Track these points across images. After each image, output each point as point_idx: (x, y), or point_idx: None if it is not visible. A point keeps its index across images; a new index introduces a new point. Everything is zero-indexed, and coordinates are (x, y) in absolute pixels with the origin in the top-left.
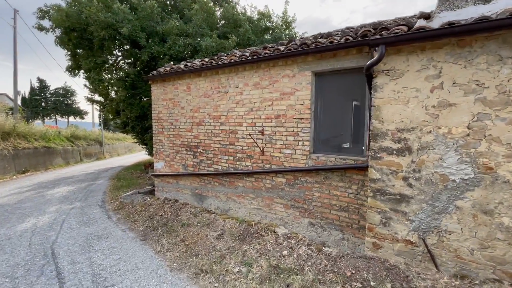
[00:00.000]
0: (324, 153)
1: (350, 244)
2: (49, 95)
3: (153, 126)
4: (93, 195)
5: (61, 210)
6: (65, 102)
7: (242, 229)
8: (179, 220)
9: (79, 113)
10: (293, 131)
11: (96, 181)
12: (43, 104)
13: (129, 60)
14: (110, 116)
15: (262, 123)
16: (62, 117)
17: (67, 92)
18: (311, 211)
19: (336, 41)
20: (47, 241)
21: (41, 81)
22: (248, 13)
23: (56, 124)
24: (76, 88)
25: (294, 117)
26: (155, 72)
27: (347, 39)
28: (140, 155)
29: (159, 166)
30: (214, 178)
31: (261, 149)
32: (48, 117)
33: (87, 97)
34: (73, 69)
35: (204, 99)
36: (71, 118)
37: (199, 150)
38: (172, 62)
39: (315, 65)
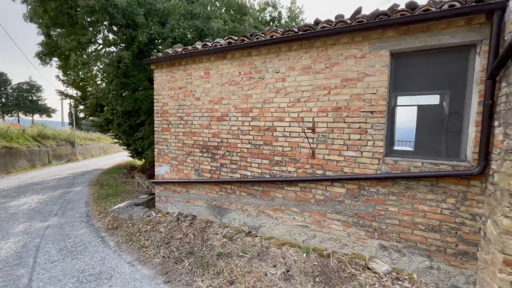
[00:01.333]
0: (404, 157)
1: (441, 275)
2: (10, 90)
3: (156, 122)
4: (73, 207)
5: (32, 230)
6: (30, 98)
7: (316, 263)
8: (210, 246)
9: (45, 111)
10: (359, 127)
11: (73, 187)
12: (3, 100)
13: (122, 44)
14: (84, 114)
15: (313, 117)
16: (26, 115)
17: (32, 88)
18: (383, 231)
19: (435, 9)
20: None
21: (1, 74)
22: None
23: (19, 122)
24: (43, 83)
25: (362, 110)
26: (160, 54)
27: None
28: (117, 156)
29: (162, 171)
30: (240, 187)
31: (311, 150)
32: (9, 115)
33: (60, 91)
34: (45, 55)
35: (229, 87)
36: (37, 116)
37: (219, 151)
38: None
39: (396, 42)
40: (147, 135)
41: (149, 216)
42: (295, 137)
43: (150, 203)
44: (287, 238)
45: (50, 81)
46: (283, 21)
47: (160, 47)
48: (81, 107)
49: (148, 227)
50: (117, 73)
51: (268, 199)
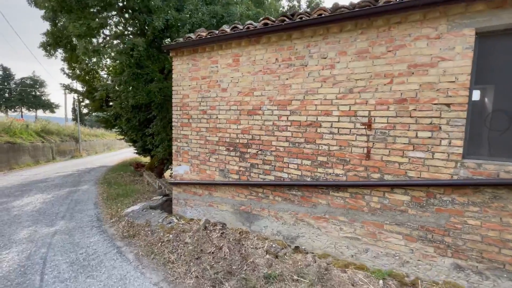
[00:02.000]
0: (491, 158)
1: None
2: (14, 85)
3: (174, 116)
4: (81, 209)
5: (38, 237)
6: (33, 93)
7: None
8: (252, 265)
9: (49, 106)
10: (430, 123)
11: (79, 186)
12: (6, 95)
13: (133, 29)
14: (89, 109)
15: (369, 111)
16: (29, 110)
17: (36, 83)
18: (458, 248)
19: None
20: None
21: (4, 69)
22: None
23: (22, 117)
24: (47, 79)
25: (435, 102)
26: (181, 39)
27: None
28: (121, 153)
29: (181, 171)
30: (274, 191)
31: (366, 150)
32: (13, 110)
33: (64, 84)
34: (50, 45)
35: (263, 76)
36: (40, 112)
37: (250, 150)
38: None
39: (485, 18)
40: (157, 131)
41: (170, 222)
42: (345, 134)
43: (165, 206)
44: (331, 251)
45: (54, 76)
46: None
47: (176, 35)
48: (87, 101)
49: (171, 236)
50: (130, 62)
51: (308, 206)
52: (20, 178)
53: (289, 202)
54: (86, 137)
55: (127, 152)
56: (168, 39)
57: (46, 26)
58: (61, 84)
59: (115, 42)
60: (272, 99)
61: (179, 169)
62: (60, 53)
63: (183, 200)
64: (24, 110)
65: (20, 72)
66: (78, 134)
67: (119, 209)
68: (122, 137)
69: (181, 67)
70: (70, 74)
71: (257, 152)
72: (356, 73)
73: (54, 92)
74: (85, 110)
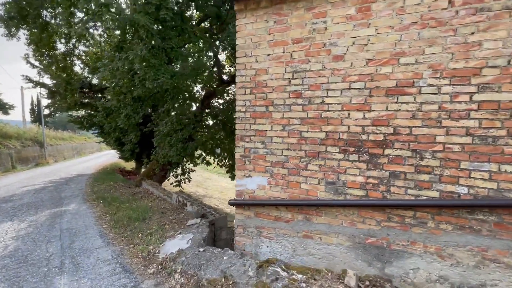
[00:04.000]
0: None
1: None
2: None
3: (239, 103)
4: (85, 247)
5: None
6: None
7: None
8: None
9: (1, 107)
10: None
11: (64, 205)
12: None
13: None
14: (57, 108)
15: None
16: None
17: None
18: None
19: None
20: None
21: None
22: None
23: None
24: None
25: None
26: None
27: None
28: (95, 158)
29: (252, 185)
30: (439, 215)
31: None
32: None
33: (27, 77)
34: (12, 19)
35: (421, 32)
36: None
37: (389, 150)
38: None
39: None
40: (167, 130)
41: (277, 278)
42: None
43: (210, 236)
44: None
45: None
46: None
47: None
48: (48, 100)
49: None
50: (151, 29)
51: (511, 238)
52: None
53: (470, 232)
54: (52, 140)
55: (101, 157)
56: None
57: None
58: (23, 76)
59: None
60: (439, 69)
61: (249, 183)
62: (25, 34)
63: (254, 229)
64: None
65: None
66: (42, 138)
67: (150, 246)
68: (101, 139)
69: (253, 28)
70: (41, 61)
71: (403, 153)
72: None
73: (7, 91)
74: (46, 111)
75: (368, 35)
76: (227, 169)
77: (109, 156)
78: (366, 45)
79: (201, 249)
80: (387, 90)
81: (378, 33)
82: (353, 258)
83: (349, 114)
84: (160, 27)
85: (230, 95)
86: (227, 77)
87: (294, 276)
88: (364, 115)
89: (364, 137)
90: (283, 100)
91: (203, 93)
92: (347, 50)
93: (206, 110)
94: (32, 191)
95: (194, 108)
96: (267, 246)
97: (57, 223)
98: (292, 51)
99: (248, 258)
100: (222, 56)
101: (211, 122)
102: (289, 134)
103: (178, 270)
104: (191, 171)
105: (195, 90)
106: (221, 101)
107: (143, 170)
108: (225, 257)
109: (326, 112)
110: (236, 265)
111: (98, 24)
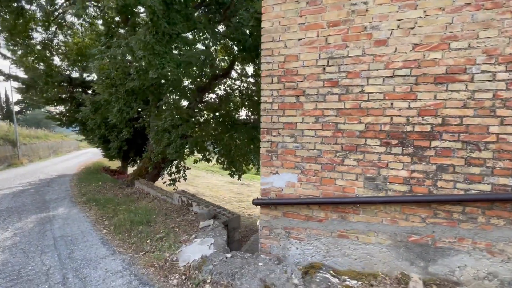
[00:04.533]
0: None
1: None
2: None
3: (264, 94)
4: (87, 257)
5: None
6: None
7: None
8: None
9: None
10: None
11: (51, 210)
12: None
13: None
14: (31, 103)
15: None
16: None
17: None
18: None
19: None
20: None
21: None
22: None
23: None
24: None
25: None
26: None
27: None
28: (74, 157)
29: (279, 183)
30: (491, 209)
31: None
32: None
33: None
34: None
35: (475, 14)
36: None
37: (436, 142)
38: None
39: None
40: (166, 126)
41: (323, 285)
42: None
43: (225, 238)
44: None
45: None
46: None
47: None
48: (18, 95)
49: None
50: (158, 11)
51: None
52: None
53: None
54: (25, 139)
55: (81, 156)
56: None
57: None
58: None
59: None
60: (494, 54)
61: (276, 180)
62: None
63: (282, 230)
64: None
65: None
66: (15, 136)
67: (164, 252)
68: (83, 137)
69: (281, 9)
70: (10, 53)
71: (452, 145)
72: None
73: None
74: (16, 108)
75: (415, 18)
76: (225, 166)
77: (89, 154)
78: (412, 28)
79: (228, 255)
80: (436, 77)
81: (426, 16)
82: (393, 257)
83: (392, 103)
84: (166, 9)
85: (222, 90)
86: (218, 71)
87: (347, 283)
88: (409, 105)
89: (409, 128)
90: (317, 89)
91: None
92: (391, 34)
93: (199, 105)
94: (10, 195)
95: (186, 102)
96: (297, 248)
97: (48, 230)
98: (328, 35)
99: (288, 263)
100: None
101: (202, 118)
102: (323, 126)
103: (208, 281)
104: (187, 169)
105: (194, 83)
106: (213, 95)
107: (132, 169)
108: (260, 264)
109: (366, 102)
110: (276, 272)
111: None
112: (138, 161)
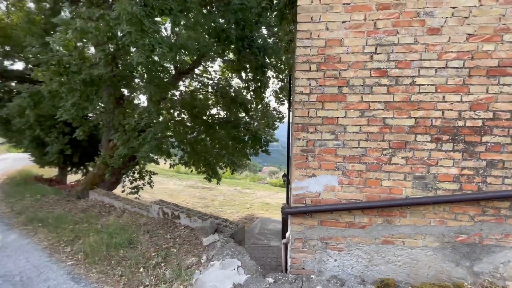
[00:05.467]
0: None
1: None
2: None
3: (299, 84)
4: None
5: None
6: None
7: None
8: None
9: None
10: None
11: None
12: None
13: None
14: None
15: None
16: None
17: None
18: None
19: None
20: None
21: None
22: None
23: None
24: None
25: None
26: None
27: None
28: None
29: (316, 187)
30: None
31: None
32: None
33: None
34: None
35: None
36: None
37: (487, 137)
38: None
39: None
40: (142, 122)
41: None
42: None
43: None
44: None
45: None
46: None
47: None
48: None
49: None
50: None
51: None
52: None
53: None
54: None
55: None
56: None
57: None
58: None
59: None
60: None
61: (312, 184)
62: None
63: (318, 241)
64: None
65: None
66: None
67: (172, 284)
68: (4, 140)
69: None
70: None
71: (504, 140)
72: None
73: None
74: None
75: (470, 6)
76: (200, 169)
77: (9, 161)
78: (467, 17)
79: (269, 280)
80: (488, 70)
81: (481, 5)
82: (439, 260)
83: (444, 97)
84: None
85: (186, 88)
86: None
87: None
88: (461, 98)
89: (460, 123)
90: (362, 79)
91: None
92: (445, 22)
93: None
94: None
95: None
96: (335, 260)
97: None
98: (377, 18)
99: (347, 282)
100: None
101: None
102: (368, 121)
103: None
104: (153, 174)
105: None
106: (177, 92)
107: (74, 177)
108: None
109: (416, 95)
110: None
111: None
112: (84, 167)
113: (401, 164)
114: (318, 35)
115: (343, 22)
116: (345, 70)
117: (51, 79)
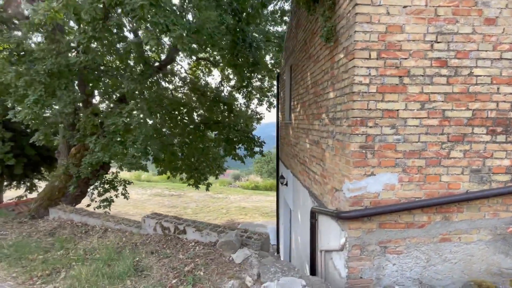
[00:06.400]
0: None
1: None
2: None
3: (357, 74)
4: None
5: None
6: None
7: None
8: None
9: None
10: None
11: None
12: None
13: None
14: None
15: None
16: None
17: None
18: None
19: None
20: None
21: None
22: None
23: None
24: None
25: None
26: None
27: None
28: None
29: (375, 187)
30: None
31: None
32: None
33: None
34: None
35: None
36: None
37: None
38: None
39: None
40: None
41: None
42: None
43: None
44: None
45: None
46: None
47: None
48: None
49: None
50: None
51: None
52: None
53: None
54: None
55: None
56: None
57: None
58: None
59: None
60: None
61: (371, 184)
62: None
63: (377, 246)
64: None
65: None
66: None
67: None
68: None
69: None
70: None
71: None
72: None
73: None
74: None
75: None
76: (186, 176)
77: None
78: None
79: None
80: None
81: None
82: (491, 252)
83: (498, 88)
84: None
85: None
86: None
87: None
88: None
89: None
90: (423, 69)
91: None
92: (500, 13)
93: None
94: None
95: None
96: (394, 264)
97: None
98: (438, 5)
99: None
100: None
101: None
102: (428, 114)
103: None
104: (128, 183)
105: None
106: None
107: (14, 193)
108: None
109: (474, 86)
110: None
111: None
112: (30, 180)
113: (459, 158)
114: (379, 20)
115: (404, 7)
116: (406, 59)
117: (3, 69)
